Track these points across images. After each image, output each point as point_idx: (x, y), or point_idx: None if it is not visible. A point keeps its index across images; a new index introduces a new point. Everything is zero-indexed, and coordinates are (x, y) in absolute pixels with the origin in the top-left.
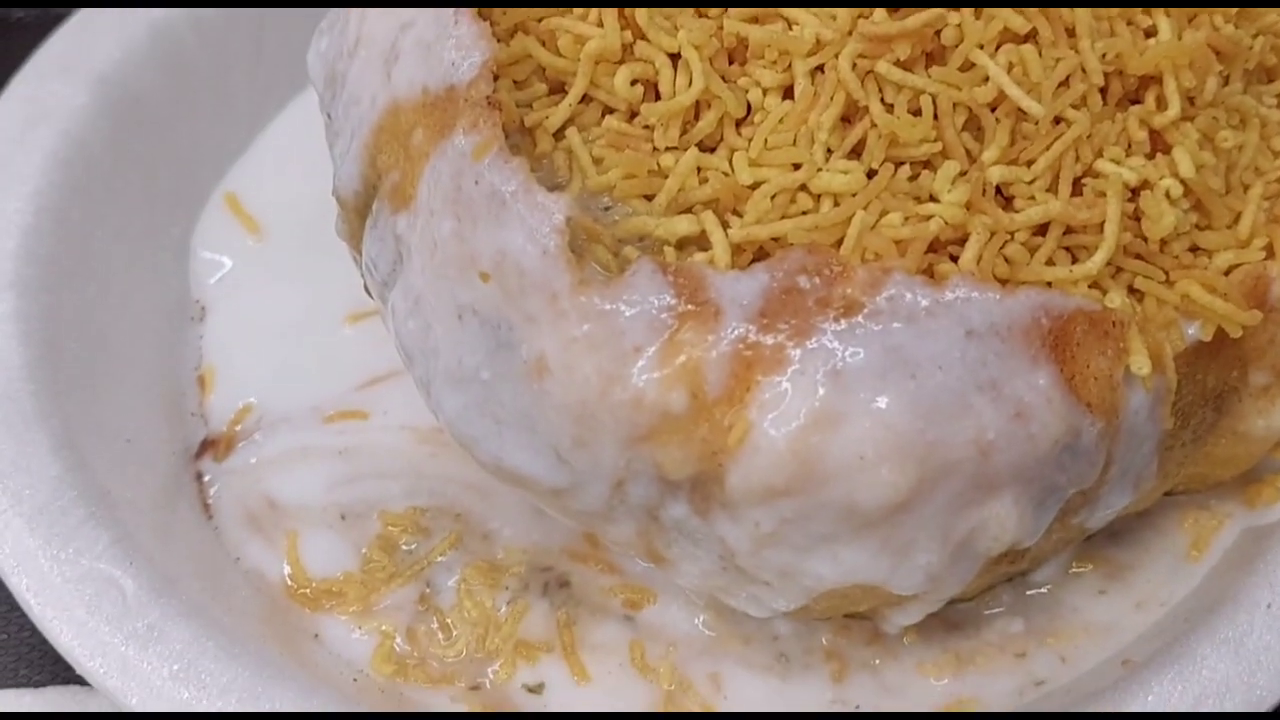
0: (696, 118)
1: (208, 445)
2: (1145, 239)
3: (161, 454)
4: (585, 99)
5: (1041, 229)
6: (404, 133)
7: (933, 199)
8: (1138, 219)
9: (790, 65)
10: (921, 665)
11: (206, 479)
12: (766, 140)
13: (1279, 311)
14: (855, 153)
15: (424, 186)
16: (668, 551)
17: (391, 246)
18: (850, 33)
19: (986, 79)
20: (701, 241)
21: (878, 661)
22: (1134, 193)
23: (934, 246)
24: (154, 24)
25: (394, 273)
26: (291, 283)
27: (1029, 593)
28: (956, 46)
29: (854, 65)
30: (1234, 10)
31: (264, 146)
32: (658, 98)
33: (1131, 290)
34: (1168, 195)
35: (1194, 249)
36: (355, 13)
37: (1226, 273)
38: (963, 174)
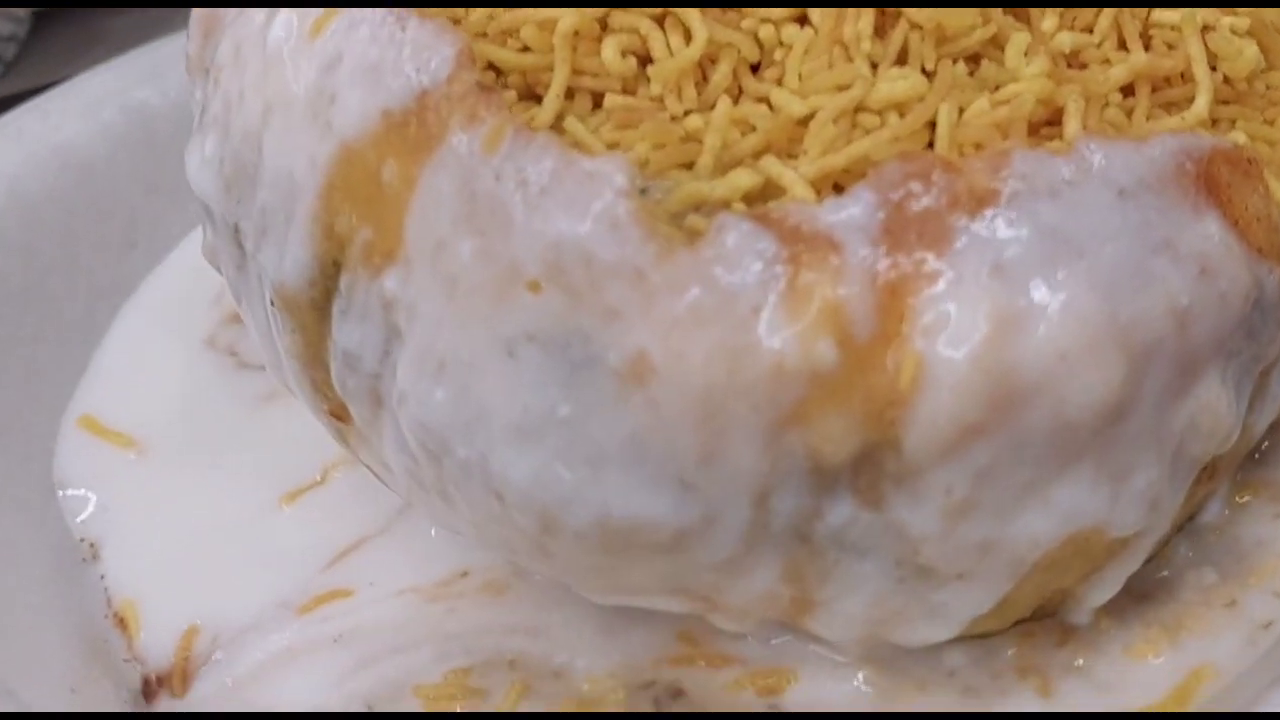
0: (705, 79)
1: (160, 684)
2: (1228, 82)
3: (110, 704)
4: (569, 94)
5: (1128, 89)
6: (368, 176)
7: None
8: (1212, 67)
9: None
10: (1129, 649)
11: None
12: (800, 72)
13: None
14: (900, 61)
15: (414, 223)
16: (821, 589)
17: (379, 320)
18: None
19: None
20: (766, 196)
21: (1080, 662)
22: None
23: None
24: None
25: (389, 354)
26: (197, 486)
27: (1203, 541)
28: None
29: None
30: None
31: (105, 361)
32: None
33: None
34: (1232, 31)
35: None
36: (250, 84)
37: None
38: None
